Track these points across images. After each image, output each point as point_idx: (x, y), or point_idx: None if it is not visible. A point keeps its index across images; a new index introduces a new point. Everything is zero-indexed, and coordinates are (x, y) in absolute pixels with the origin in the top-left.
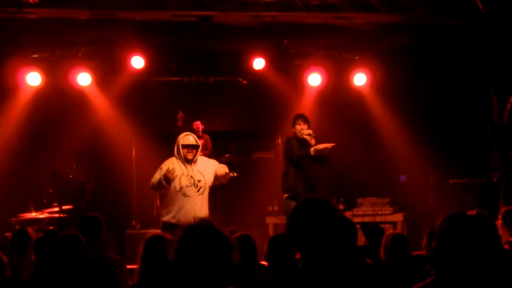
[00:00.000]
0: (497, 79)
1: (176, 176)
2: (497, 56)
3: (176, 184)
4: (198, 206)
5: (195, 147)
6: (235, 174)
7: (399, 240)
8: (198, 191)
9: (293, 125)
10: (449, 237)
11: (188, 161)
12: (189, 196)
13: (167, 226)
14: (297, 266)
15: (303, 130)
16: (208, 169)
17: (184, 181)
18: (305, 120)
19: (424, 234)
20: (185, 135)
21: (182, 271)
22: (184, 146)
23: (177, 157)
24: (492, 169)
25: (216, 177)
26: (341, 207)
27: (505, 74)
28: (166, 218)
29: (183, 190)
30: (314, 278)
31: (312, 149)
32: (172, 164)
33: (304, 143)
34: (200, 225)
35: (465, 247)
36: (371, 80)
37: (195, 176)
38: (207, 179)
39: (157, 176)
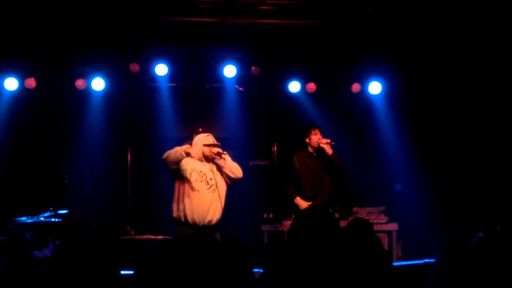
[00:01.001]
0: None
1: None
2: None
3: (186, 177)
4: (207, 203)
5: (216, 146)
6: (224, 153)
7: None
8: (209, 188)
9: (308, 135)
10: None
11: (208, 160)
12: (197, 190)
13: (179, 224)
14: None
15: (321, 140)
16: (219, 169)
17: (194, 176)
18: (320, 129)
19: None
20: (205, 136)
21: None
22: (206, 145)
23: (191, 157)
24: None
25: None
26: (336, 215)
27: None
28: (176, 214)
29: (192, 184)
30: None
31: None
32: (188, 161)
33: (318, 153)
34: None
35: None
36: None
37: (207, 173)
38: (219, 179)
39: (176, 149)
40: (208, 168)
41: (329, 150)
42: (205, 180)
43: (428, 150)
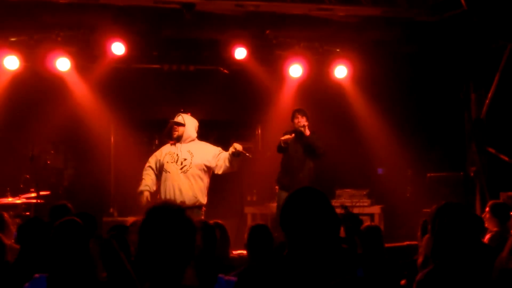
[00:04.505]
0: (475, 74)
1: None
2: (477, 51)
3: (161, 162)
4: (178, 184)
5: (178, 124)
6: (248, 155)
7: (373, 231)
8: (181, 168)
9: (292, 119)
10: (451, 227)
11: (174, 139)
12: (169, 172)
13: None
14: (280, 253)
15: (299, 123)
16: (201, 152)
17: (167, 158)
18: (303, 113)
19: (418, 226)
20: (177, 115)
21: (145, 253)
22: (171, 123)
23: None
24: (469, 163)
25: (217, 166)
26: None
27: (483, 69)
28: (158, 197)
29: (165, 166)
30: (299, 264)
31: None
32: (162, 149)
33: (299, 135)
34: (162, 206)
35: (463, 236)
36: (352, 72)
37: (181, 154)
38: (195, 161)
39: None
40: (184, 148)
41: (306, 132)
42: (177, 161)
43: (410, 134)
